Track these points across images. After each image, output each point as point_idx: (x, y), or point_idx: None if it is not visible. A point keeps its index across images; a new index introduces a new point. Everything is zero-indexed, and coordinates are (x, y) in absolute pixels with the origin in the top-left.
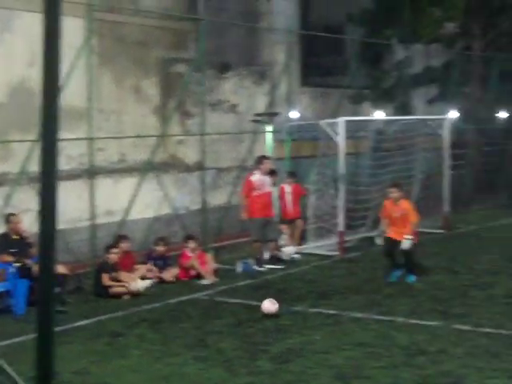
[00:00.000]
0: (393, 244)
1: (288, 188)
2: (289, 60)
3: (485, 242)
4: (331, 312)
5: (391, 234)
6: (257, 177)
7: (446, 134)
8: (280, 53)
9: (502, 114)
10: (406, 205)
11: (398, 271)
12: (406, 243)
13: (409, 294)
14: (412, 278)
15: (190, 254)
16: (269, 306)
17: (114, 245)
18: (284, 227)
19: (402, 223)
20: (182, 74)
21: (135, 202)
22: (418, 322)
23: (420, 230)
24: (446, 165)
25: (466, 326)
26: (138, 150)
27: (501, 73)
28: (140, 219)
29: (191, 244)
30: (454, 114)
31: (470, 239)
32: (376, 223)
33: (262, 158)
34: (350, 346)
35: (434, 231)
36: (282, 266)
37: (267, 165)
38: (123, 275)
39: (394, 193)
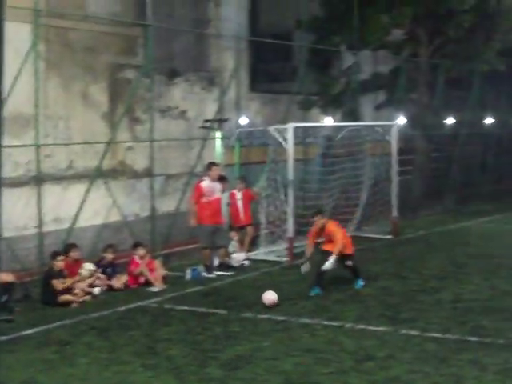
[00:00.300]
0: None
1: (239, 194)
2: (238, 66)
3: (433, 247)
4: (280, 318)
5: (325, 247)
6: (206, 183)
7: (393, 140)
8: (229, 59)
9: (449, 120)
10: (332, 227)
11: (318, 287)
12: (327, 264)
13: (357, 299)
14: (360, 283)
15: (138, 261)
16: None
17: (60, 252)
18: (234, 234)
19: (332, 243)
20: (130, 80)
21: (84, 209)
22: (367, 327)
23: (368, 235)
24: (394, 171)
25: (414, 330)
26: (86, 157)
27: (447, 79)
28: (88, 226)
29: (140, 251)
30: (401, 120)
31: (418, 244)
32: None
33: (211, 165)
34: (298, 352)
35: (383, 237)
36: (232, 273)
37: (216, 171)
38: (71, 282)
39: (319, 220)
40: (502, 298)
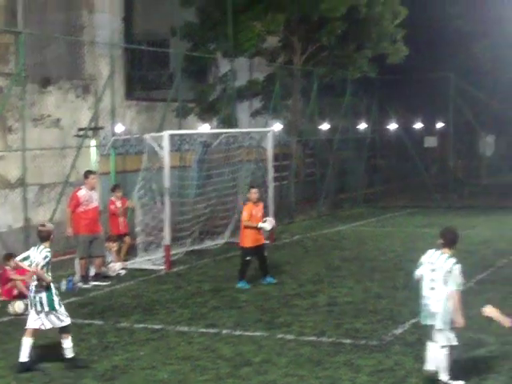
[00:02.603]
0: (253, 252)
1: (118, 202)
2: (113, 74)
3: (308, 251)
4: (157, 327)
5: (252, 242)
6: (83, 192)
7: (269, 146)
8: (104, 66)
9: (324, 126)
10: (261, 204)
11: (245, 281)
12: (268, 223)
13: (234, 305)
14: (270, 279)
15: (11, 272)
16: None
17: None
18: (111, 243)
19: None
20: (2, 89)
21: None
22: (243, 333)
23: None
24: (269, 176)
25: (290, 335)
26: None
27: (321, 86)
28: None
29: (13, 263)
30: (277, 127)
31: (294, 249)
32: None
33: (88, 173)
34: (175, 361)
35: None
36: (108, 283)
37: (94, 180)
38: None
39: (256, 193)
40: (374, 301)
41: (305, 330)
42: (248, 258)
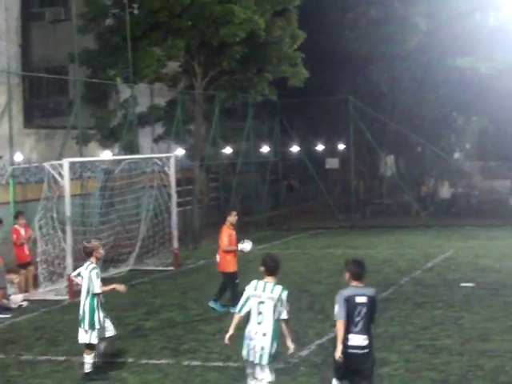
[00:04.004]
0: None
1: (22, 230)
2: (10, 102)
3: (214, 276)
4: (61, 358)
5: (235, 267)
6: None
7: (172, 172)
8: (1, 94)
9: (227, 150)
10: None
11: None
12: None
13: (139, 334)
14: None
15: None
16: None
17: None
18: (12, 274)
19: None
20: None
21: None
22: (149, 361)
23: (149, 268)
24: (173, 202)
25: (196, 361)
26: None
27: (223, 110)
28: None
29: None
30: (179, 152)
31: (199, 274)
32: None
33: None
34: None
35: (164, 268)
36: (10, 315)
37: None
38: None
39: (236, 216)
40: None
41: (211, 355)
42: (237, 281)
